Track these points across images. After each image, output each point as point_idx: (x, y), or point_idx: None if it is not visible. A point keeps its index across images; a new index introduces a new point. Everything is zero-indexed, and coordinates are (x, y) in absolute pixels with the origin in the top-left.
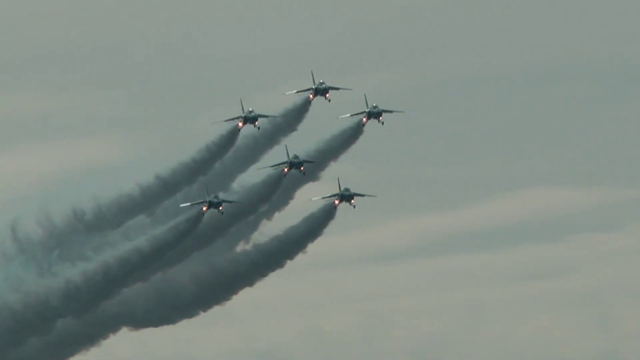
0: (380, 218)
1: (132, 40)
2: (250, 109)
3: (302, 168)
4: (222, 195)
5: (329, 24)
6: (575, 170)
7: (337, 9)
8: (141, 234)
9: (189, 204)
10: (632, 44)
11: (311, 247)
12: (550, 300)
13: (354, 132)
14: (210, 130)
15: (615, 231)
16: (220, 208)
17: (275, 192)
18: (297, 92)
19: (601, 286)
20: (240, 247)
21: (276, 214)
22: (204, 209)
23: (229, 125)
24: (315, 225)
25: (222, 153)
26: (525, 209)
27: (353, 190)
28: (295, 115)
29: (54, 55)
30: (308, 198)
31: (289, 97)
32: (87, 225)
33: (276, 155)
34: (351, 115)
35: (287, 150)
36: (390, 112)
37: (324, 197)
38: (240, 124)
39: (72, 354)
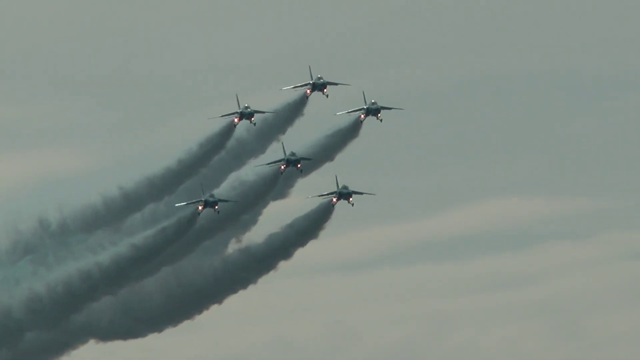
0: (342, 228)
1: (99, 48)
2: (247, 105)
3: (299, 165)
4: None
5: (328, 22)
6: (541, 180)
7: (337, 7)
8: (134, 234)
9: (184, 203)
10: (581, 55)
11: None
12: (516, 309)
13: (352, 130)
14: (207, 126)
15: (581, 240)
16: (217, 207)
17: (272, 190)
18: (294, 87)
19: (565, 295)
20: (233, 246)
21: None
22: (200, 208)
23: (224, 121)
24: (313, 224)
25: (218, 149)
26: (491, 218)
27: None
28: (292, 111)
29: (18, 64)
30: (305, 195)
31: (286, 93)
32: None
33: (273, 153)
34: (348, 112)
35: (283, 147)
36: (390, 109)
37: (321, 195)
38: (237, 120)
39: None
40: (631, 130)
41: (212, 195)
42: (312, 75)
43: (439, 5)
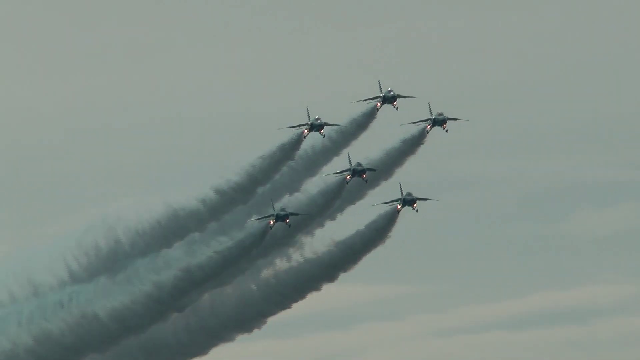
0: None
1: None
2: (317, 117)
3: (364, 175)
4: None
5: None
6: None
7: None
8: (203, 249)
9: (256, 218)
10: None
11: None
12: None
13: (417, 140)
14: (277, 136)
15: (396, 321)
16: (287, 221)
17: (336, 201)
18: (364, 100)
19: None
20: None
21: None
22: (271, 222)
23: (294, 133)
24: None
25: (285, 160)
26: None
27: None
28: (361, 124)
29: None
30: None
31: (356, 106)
32: None
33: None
34: (414, 123)
35: (349, 158)
36: (455, 119)
37: (386, 203)
38: (306, 132)
39: None
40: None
41: (283, 209)
42: (382, 88)
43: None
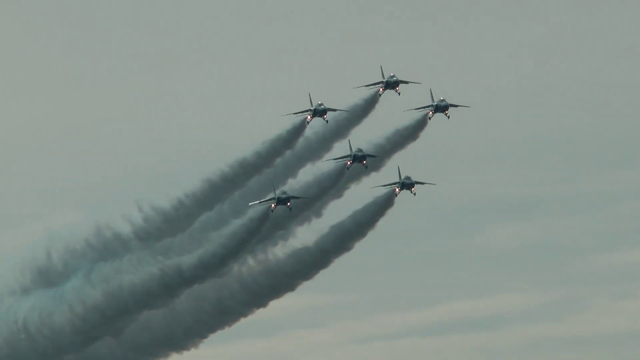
0: None
1: None
2: (320, 102)
3: (364, 162)
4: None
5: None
6: None
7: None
8: (209, 235)
9: (257, 202)
10: None
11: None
12: None
13: (419, 126)
14: (279, 123)
15: (318, 328)
16: (289, 204)
17: (336, 186)
18: (367, 85)
19: None
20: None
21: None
22: (273, 206)
23: (297, 119)
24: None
25: (288, 146)
26: None
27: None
28: (363, 110)
29: None
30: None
31: (357, 91)
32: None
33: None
34: (417, 109)
35: (349, 143)
36: (456, 106)
37: (385, 185)
38: (309, 117)
39: None
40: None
41: (284, 193)
42: (384, 74)
43: None
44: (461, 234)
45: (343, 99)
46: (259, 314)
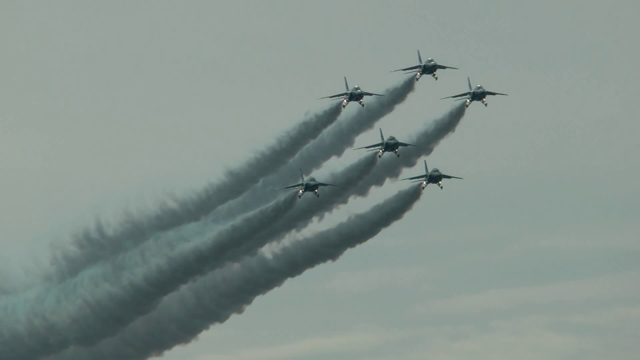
0: None
1: None
2: (356, 86)
3: (396, 150)
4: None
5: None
6: None
7: None
8: (231, 218)
9: (285, 187)
10: None
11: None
12: None
13: (456, 116)
14: (316, 105)
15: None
16: (316, 191)
17: (366, 175)
18: (404, 70)
19: None
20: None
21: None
22: (300, 192)
23: (334, 102)
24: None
25: (322, 129)
26: None
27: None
28: (400, 94)
29: None
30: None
31: (394, 75)
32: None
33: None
34: (454, 97)
35: (381, 132)
36: (494, 94)
37: (412, 178)
38: (345, 101)
39: None
40: None
41: (312, 179)
42: (421, 58)
43: None
44: (316, 279)
45: (379, 82)
46: None
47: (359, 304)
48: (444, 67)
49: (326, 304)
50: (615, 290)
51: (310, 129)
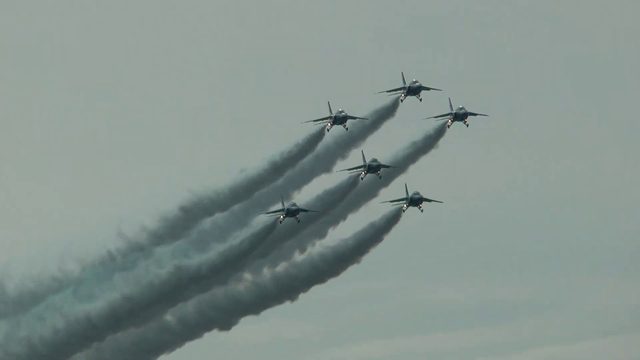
0: None
1: None
2: (340, 109)
3: (378, 172)
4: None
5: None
6: None
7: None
8: (213, 244)
9: (266, 213)
10: None
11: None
12: None
13: (437, 136)
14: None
15: None
16: (297, 216)
17: (347, 197)
18: (389, 92)
19: None
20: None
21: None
22: (281, 217)
23: (317, 127)
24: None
25: (304, 155)
26: None
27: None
28: (382, 117)
29: None
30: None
31: (379, 97)
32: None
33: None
34: (436, 118)
35: (362, 154)
36: (475, 114)
37: (392, 201)
38: (329, 125)
39: None
40: None
41: (293, 204)
42: (405, 80)
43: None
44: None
45: (363, 105)
46: None
47: (258, 355)
48: (428, 89)
49: (228, 354)
50: (493, 339)
51: (294, 156)
